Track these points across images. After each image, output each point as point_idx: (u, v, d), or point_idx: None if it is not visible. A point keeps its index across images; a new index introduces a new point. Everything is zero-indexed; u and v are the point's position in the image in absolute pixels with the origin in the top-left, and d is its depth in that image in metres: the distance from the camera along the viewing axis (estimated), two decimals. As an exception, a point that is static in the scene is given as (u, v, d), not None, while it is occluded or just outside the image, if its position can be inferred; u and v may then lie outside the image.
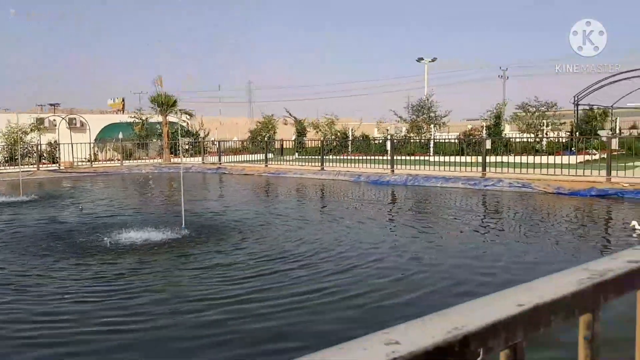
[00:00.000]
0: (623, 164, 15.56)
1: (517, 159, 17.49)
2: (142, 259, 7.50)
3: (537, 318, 0.66)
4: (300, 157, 28.08)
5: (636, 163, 16.02)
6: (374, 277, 6.58)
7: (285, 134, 40.68)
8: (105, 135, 36.29)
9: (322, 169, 21.00)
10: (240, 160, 28.00)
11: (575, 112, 26.57)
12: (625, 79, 24.78)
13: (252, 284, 6.26)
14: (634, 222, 9.07)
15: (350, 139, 32.50)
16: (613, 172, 14.82)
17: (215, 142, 32.09)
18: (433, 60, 49.83)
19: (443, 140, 27.66)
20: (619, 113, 33.44)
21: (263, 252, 7.85)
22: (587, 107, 27.20)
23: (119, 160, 29.13)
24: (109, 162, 29.57)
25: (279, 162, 23.86)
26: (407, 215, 12.36)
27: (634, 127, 34.59)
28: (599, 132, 28.91)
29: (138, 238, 8.75)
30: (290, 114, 38.05)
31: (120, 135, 30.91)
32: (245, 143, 34.09)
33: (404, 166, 19.07)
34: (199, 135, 35.66)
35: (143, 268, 7.07)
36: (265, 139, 32.40)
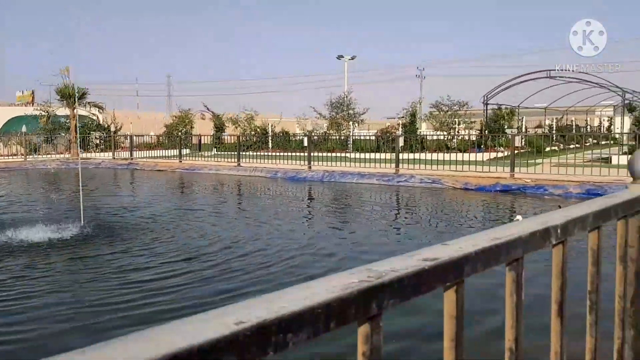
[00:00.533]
0: (527, 161, 16.34)
1: (430, 156, 17.97)
2: (32, 262, 6.96)
3: (266, 338, 0.51)
4: (218, 153, 27.49)
5: (538, 160, 16.89)
6: (284, 275, 6.44)
7: (205, 129, 39.83)
8: (11, 128, 33.97)
9: (239, 165, 20.64)
10: (154, 155, 27.02)
11: (485, 111, 27.72)
12: (530, 79, 26.13)
13: (152, 287, 5.94)
14: (518, 217, 9.43)
15: (270, 135, 32.23)
16: (517, 169, 15.51)
17: (128, 137, 30.79)
18: (352, 58, 50.47)
19: (361, 138, 27.97)
20: (526, 112, 35.27)
21: (168, 253, 7.52)
22: (496, 107, 28.42)
23: (22, 155, 27.31)
24: (12, 157, 27.64)
25: (194, 158, 23.22)
26: (317, 211, 12.33)
27: (539, 126, 36.54)
28: (506, 130, 30.45)
29: (30, 238, 8.13)
30: (208, 109, 37.25)
31: (24, 129, 29.00)
32: (160, 138, 32.97)
33: (322, 162, 19.06)
34: (110, 129, 34.12)
35: (31, 273, 6.55)
36: (180, 133, 31.48)
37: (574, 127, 37.24)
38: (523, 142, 25.50)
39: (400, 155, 17.90)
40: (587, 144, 27.69)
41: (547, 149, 25.20)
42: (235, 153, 21.80)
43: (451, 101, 30.30)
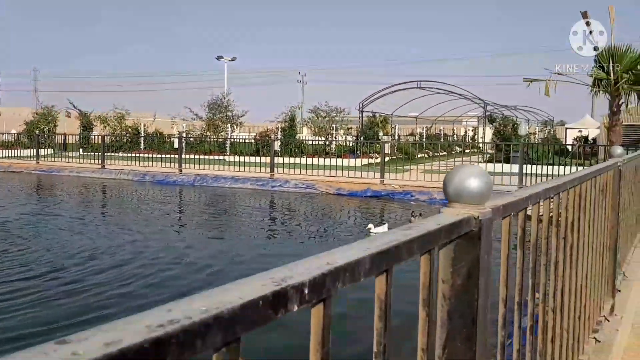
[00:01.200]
0: (396, 168, 16.72)
1: (307, 160, 17.87)
2: None
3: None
4: (85, 153, 25.45)
5: (407, 167, 17.39)
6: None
7: (72, 128, 37.05)
8: None
9: (103, 167, 19.27)
10: (10, 155, 24.50)
11: (360, 118, 28.41)
12: (402, 89, 27.21)
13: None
14: (370, 225, 9.49)
15: (142, 135, 30.65)
16: (387, 175, 15.84)
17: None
18: (233, 59, 49.79)
19: (239, 141, 27.41)
20: (400, 121, 36.75)
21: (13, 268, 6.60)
22: (371, 114, 29.27)
23: None
24: None
25: (55, 159, 21.33)
26: (187, 218, 11.73)
27: (411, 134, 38.24)
28: (381, 137, 31.53)
29: None
30: (74, 106, 34.68)
31: None
32: (19, 137, 30.08)
33: (195, 165, 18.18)
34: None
35: None
36: (39, 132, 28.94)
37: (442, 135, 39.45)
38: (395, 149, 26.55)
39: (279, 159, 17.67)
40: (454, 152, 29.48)
41: (418, 155, 26.43)
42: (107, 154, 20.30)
43: (329, 107, 30.82)
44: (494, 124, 27.22)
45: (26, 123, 33.78)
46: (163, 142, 27.62)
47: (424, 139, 35.76)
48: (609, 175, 3.65)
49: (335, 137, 29.56)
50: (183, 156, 18.30)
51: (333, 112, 30.59)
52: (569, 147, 18.56)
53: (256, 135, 31.82)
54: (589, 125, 33.19)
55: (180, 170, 17.93)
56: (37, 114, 33.94)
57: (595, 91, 11.84)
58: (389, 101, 30.52)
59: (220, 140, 28.96)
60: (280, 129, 30.04)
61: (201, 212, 12.80)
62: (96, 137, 26.47)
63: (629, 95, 11.70)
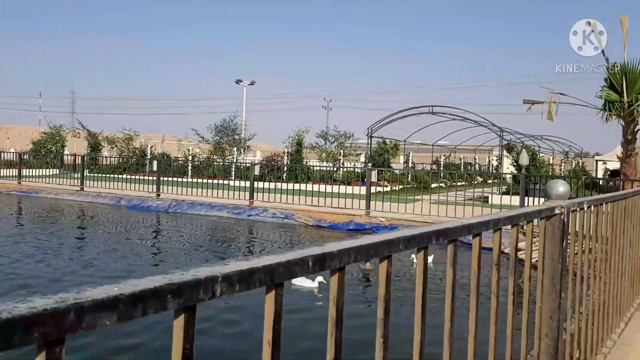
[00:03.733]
0: (410, 197, 14.70)
1: (315, 187, 16.14)
2: None
3: None
4: (91, 174, 23.89)
5: (418, 196, 15.39)
6: None
7: (80, 148, 36.56)
8: None
9: (82, 189, 18.14)
10: (9, 175, 23.24)
11: (369, 143, 26.84)
12: (413, 114, 25.59)
13: None
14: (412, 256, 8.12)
15: (149, 157, 29.70)
16: (396, 206, 13.87)
17: None
18: (252, 83, 49.08)
19: (241, 166, 26.06)
20: (414, 148, 35.06)
21: None
22: (381, 140, 27.67)
23: None
24: None
25: (36, 180, 20.25)
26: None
27: (436, 162, 36.35)
28: (392, 164, 29.85)
29: None
30: (83, 126, 34.15)
31: None
32: (26, 156, 29.40)
33: (178, 189, 16.69)
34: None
35: None
36: (49, 151, 28.24)
37: (462, 164, 37.51)
38: (409, 177, 24.87)
39: (286, 185, 15.91)
40: (475, 182, 27.37)
41: (434, 185, 24.62)
42: (110, 175, 19.05)
43: (338, 132, 29.39)
44: (512, 153, 25.29)
45: (33, 142, 33.31)
46: (169, 165, 26.42)
47: (441, 167, 33.94)
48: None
49: (343, 164, 28.04)
50: (162, 179, 17.02)
51: (342, 137, 29.18)
52: (593, 179, 16.52)
53: (262, 160, 30.60)
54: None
55: (158, 195, 16.65)
56: (44, 133, 33.43)
57: (607, 116, 10.07)
58: (402, 127, 28.94)
59: (227, 164, 27.73)
60: (286, 153, 28.71)
61: (139, 239, 11.42)
62: (69, 157, 25.05)
63: (646, 121, 9.89)
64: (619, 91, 9.84)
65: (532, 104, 10.76)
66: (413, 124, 28.95)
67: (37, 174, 21.13)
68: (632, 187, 7.49)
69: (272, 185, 16.00)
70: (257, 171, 15.73)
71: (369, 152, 27.13)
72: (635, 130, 9.95)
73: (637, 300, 4.45)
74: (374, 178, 14.07)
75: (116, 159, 27.41)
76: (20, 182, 19.89)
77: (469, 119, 25.16)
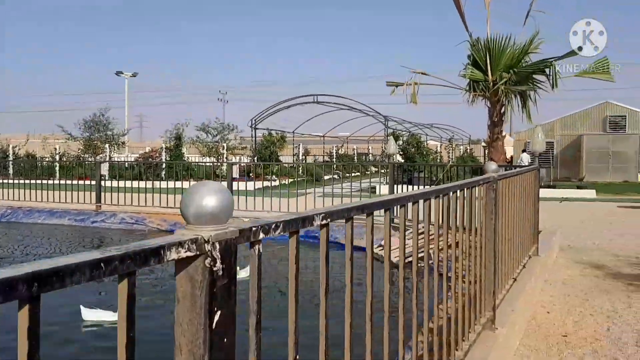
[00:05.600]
0: (292, 191, 13.16)
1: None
2: None
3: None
4: None
5: (303, 190, 13.94)
6: None
7: None
8: None
9: None
10: None
11: (254, 135, 25.28)
12: (298, 104, 24.36)
13: None
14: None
15: (11, 158, 26.34)
16: (275, 202, 12.36)
17: None
18: (134, 75, 45.94)
19: (115, 163, 23.48)
20: (305, 140, 34.00)
21: None
22: (266, 132, 26.16)
23: None
24: None
25: None
26: None
27: (334, 153, 35.40)
28: (280, 157, 28.52)
29: None
30: None
31: None
32: None
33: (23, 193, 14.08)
34: None
35: None
36: None
37: (355, 155, 36.99)
38: (300, 170, 23.57)
39: (163, 184, 13.30)
40: (368, 172, 26.40)
41: (326, 177, 23.54)
42: None
43: (220, 124, 27.63)
44: (398, 142, 24.77)
45: None
46: (35, 166, 23.21)
47: (333, 159, 33.11)
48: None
49: (227, 158, 26.31)
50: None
51: (225, 130, 27.45)
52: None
53: (138, 157, 28.15)
54: (506, 142, 31.49)
55: (-8, 202, 14.16)
56: None
57: (472, 97, 9.20)
58: (291, 118, 27.74)
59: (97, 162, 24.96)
60: (163, 148, 26.50)
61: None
62: None
63: (511, 100, 9.11)
64: (483, 69, 8.99)
65: (396, 86, 9.72)
66: (301, 116, 27.84)
67: None
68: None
69: (129, 183, 13.92)
70: (104, 170, 13.69)
71: (253, 145, 25.60)
72: (502, 111, 9.16)
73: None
74: (235, 174, 12.56)
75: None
76: None
77: (355, 108, 24.34)
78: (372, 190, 17.80)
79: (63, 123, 29.54)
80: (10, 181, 15.77)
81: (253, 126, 25.19)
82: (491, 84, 8.93)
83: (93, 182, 13.62)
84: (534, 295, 5.11)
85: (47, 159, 25.65)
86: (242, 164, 22.09)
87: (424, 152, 23.86)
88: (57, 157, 26.76)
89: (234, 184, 12.33)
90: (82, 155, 26.93)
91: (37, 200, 13.76)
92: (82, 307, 5.56)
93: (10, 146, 29.10)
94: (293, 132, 28.96)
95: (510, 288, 4.42)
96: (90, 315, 5.52)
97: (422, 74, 9.10)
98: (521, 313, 4.29)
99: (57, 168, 21.85)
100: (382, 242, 2.02)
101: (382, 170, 22.79)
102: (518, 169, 5.76)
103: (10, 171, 21.38)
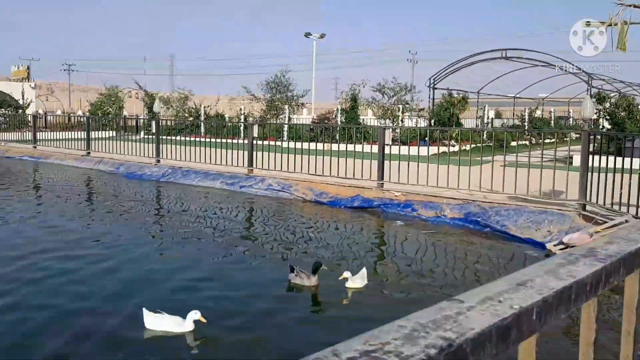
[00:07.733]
0: (476, 159, 10.93)
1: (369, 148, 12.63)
2: None
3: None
4: (147, 136, 21.41)
5: (490, 157, 11.67)
6: None
7: (139, 109, 35.87)
8: None
9: (88, 154, 16.49)
10: (59, 138, 21.30)
11: (432, 97, 23.15)
12: (482, 60, 21.56)
13: None
14: (347, 274, 5.80)
15: (203, 118, 27.93)
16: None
17: (39, 115, 25.88)
18: (322, 36, 45.98)
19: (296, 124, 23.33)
20: (492, 102, 30.70)
21: None
22: (446, 92, 23.65)
23: None
24: None
25: (49, 144, 18.79)
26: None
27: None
28: (462, 120, 25.87)
29: None
30: (140, 87, 33.01)
31: None
32: (78, 119, 28.58)
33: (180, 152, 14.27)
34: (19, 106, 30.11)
35: None
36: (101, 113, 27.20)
37: (552, 119, 32.52)
38: (484, 136, 21.09)
39: (337, 146, 12.30)
40: (567, 140, 22.36)
41: (514, 143, 20.67)
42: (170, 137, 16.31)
43: (397, 84, 25.89)
44: (604, 105, 20.71)
45: (91, 104, 32.64)
46: (223, 126, 24.02)
47: (525, 123, 29.38)
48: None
49: (402, 120, 24.62)
50: (161, 144, 14.85)
51: (402, 91, 25.68)
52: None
53: (313, 118, 27.79)
54: None
55: (158, 161, 14.56)
56: (101, 94, 32.66)
57: None
58: (474, 78, 24.84)
59: (249, 123, 24.96)
60: (339, 110, 25.66)
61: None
62: (76, 117, 23.15)
63: None
64: None
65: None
66: (491, 74, 24.76)
67: (98, 136, 18.76)
68: None
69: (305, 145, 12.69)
70: (255, 132, 13.01)
71: (430, 106, 23.49)
72: None
73: None
74: (388, 140, 10.90)
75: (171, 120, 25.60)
76: (35, 147, 18.62)
77: (551, 64, 20.77)
78: (570, 160, 14.72)
79: (250, 85, 30.16)
80: (184, 138, 16.04)
81: (431, 86, 23.07)
82: None
83: (271, 143, 12.85)
84: None
85: (232, 120, 26.63)
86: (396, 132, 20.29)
87: (638, 117, 19.52)
88: (242, 118, 27.63)
89: (386, 148, 10.68)
90: (264, 117, 27.41)
91: (195, 161, 13.71)
92: (144, 311, 4.57)
93: (202, 106, 30.88)
94: (478, 92, 26.09)
95: None
96: (152, 323, 4.50)
97: (634, 6, 6.46)
98: None
99: (241, 128, 22.28)
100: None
101: (575, 137, 19.06)
102: None
103: (202, 130, 22.36)
